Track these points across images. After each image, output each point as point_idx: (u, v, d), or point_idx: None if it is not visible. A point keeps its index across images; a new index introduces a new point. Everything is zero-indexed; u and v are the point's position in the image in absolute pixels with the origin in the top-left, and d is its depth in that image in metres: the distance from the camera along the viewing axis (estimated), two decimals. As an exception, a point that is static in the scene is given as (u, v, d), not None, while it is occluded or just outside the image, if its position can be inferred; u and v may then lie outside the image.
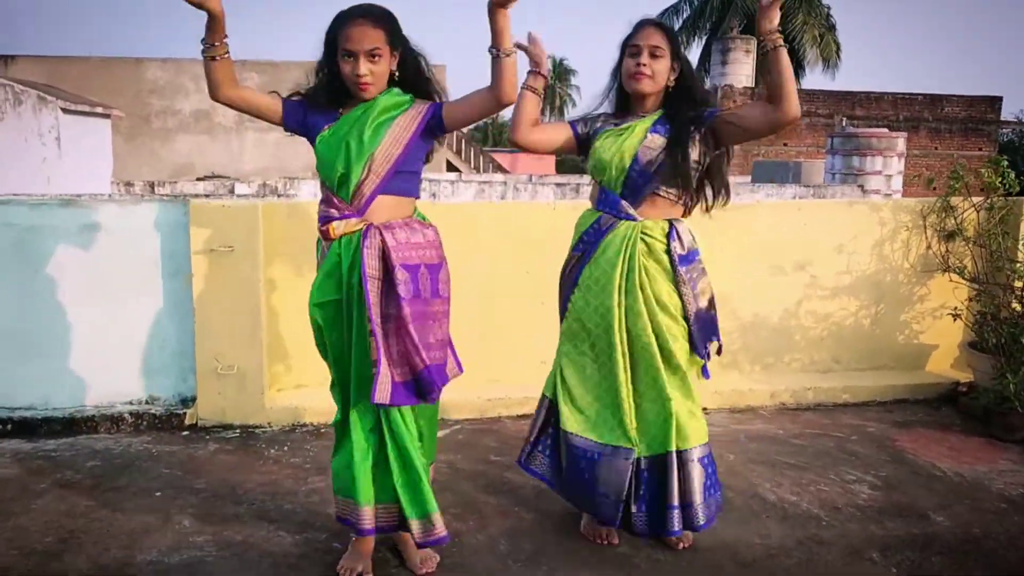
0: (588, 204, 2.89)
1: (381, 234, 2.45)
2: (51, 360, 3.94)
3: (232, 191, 15.72)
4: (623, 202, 2.70)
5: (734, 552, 2.80)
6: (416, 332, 2.46)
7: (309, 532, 2.90)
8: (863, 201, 4.54)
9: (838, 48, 29.44)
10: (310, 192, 14.89)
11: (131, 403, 4.04)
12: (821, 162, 17.89)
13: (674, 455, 2.67)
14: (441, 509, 2.55)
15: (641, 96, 2.72)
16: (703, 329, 2.77)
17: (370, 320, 2.41)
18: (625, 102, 2.80)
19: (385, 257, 2.44)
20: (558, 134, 2.83)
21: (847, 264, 4.50)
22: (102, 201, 3.99)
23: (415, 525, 2.53)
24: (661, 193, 2.71)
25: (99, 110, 19.48)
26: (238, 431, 3.95)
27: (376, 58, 2.42)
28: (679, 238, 2.70)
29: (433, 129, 2.55)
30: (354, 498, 2.53)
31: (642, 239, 2.68)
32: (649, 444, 2.71)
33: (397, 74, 2.51)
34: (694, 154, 2.68)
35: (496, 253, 4.27)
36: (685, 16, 30.57)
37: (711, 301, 2.82)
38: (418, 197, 2.62)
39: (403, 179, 2.53)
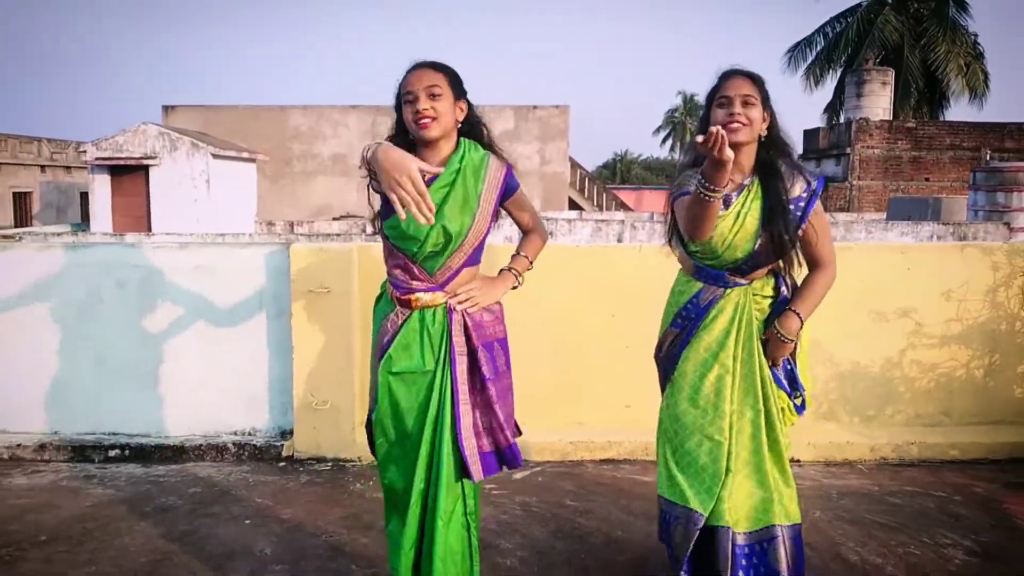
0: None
1: (464, 316, 2.45)
2: (165, 391, 4.27)
3: (364, 230, 16.46)
4: (729, 275, 2.61)
5: (804, 615, 2.69)
6: (501, 410, 2.46)
7: (377, 567, 3.00)
8: (975, 245, 4.27)
9: (986, 77, 27.80)
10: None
11: (235, 433, 4.31)
12: (963, 199, 16.89)
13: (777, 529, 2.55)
14: (507, 552, 2.55)
15: (735, 147, 2.52)
16: (789, 373, 2.69)
17: (455, 394, 2.40)
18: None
19: (467, 334, 2.45)
20: None
21: (956, 311, 4.25)
22: (212, 244, 4.31)
23: None
24: (771, 264, 2.63)
25: (245, 155, 20.91)
26: (330, 464, 4.13)
27: (436, 97, 2.37)
28: (786, 284, 2.65)
29: (504, 199, 2.54)
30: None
31: (754, 299, 2.61)
32: (743, 520, 2.58)
33: (463, 127, 2.50)
34: (804, 225, 2.56)
35: (582, 296, 4.30)
36: (819, 49, 29.73)
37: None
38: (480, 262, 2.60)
39: (479, 249, 2.53)
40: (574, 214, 20.14)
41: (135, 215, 19.60)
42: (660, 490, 2.67)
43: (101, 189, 19.39)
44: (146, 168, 19.09)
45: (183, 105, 25.29)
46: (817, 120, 32.88)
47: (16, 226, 25.60)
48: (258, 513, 3.52)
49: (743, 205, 2.53)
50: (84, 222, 23.39)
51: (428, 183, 2.34)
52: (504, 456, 2.48)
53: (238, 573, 2.98)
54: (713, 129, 2.13)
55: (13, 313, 4.25)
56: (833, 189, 23.75)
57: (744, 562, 2.54)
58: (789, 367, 2.71)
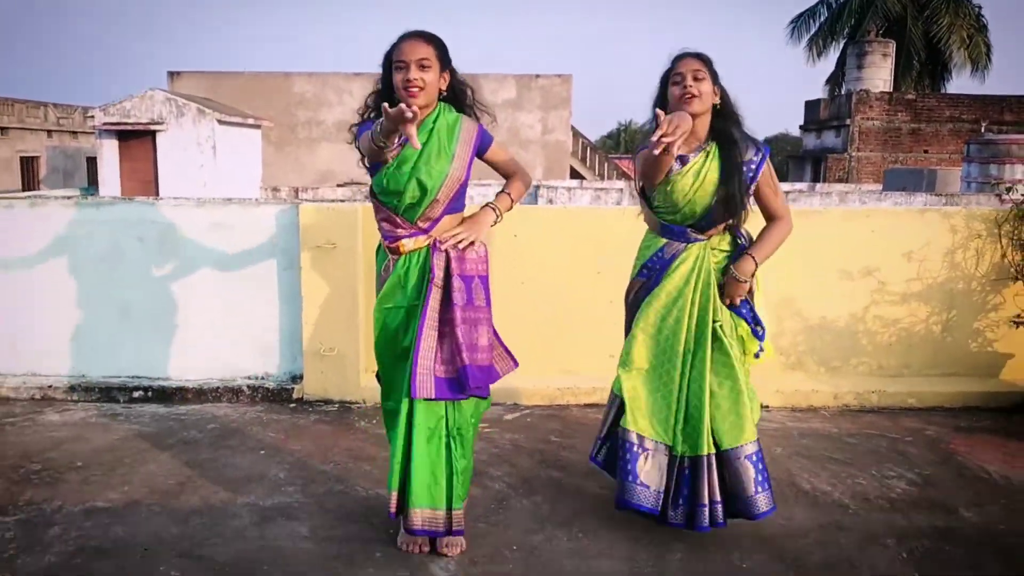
0: None
1: (448, 252, 2.77)
2: (184, 339, 4.62)
3: (368, 197, 16.77)
4: (690, 231, 2.96)
5: (756, 529, 3.04)
6: (463, 335, 2.74)
7: (381, 488, 3.36)
8: (935, 209, 4.59)
9: (988, 49, 27.84)
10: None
11: (249, 378, 4.67)
12: (959, 170, 17.12)
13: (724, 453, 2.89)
14: (496, 478, 2.88)
15: (692, 116, 2.89)
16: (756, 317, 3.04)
17: (421, 320, 2.71)
18: None
19: (448, 268, 2.76)
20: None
21: (917, 271, 4.58)
22: (228, 203, 4.63)
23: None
24: (724, 222, 2.98)
25: (251, 121, 21.14)
26: (336, 406, 4.50)
27: (425, 69, 2.64)
28: (743, 236, 3.02)
29: (479, 154, 2.86)
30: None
31: (712, 252, 2.96)
32: (695, 444, 2.91)
33: (445, 93, 2.78)
34: (752, 187, 2.94)
35: (570, 254, 4.63)
36: (822, 20, 29.72)
37: (751, 292, 3.06)
38: (464, 208, 2.93)
39: (459, 198, 2.86)
40: (575, 183, 20.40)
41: (143, 179, 19.89)
42: (626, 425, 2.98)
43: (109, 154, 19.67)
44: (153, 133, 19.34)
45: (188, 71, 25.44)
46: (819, 92, 32.95)
47: (24, 190, 25.89)
48: (272, 445, 3.89)
49: (703, 165, 2.88)
50: (92, 187, 23.69)
51: (405, 142, 2.63)
52: (460, 378, 2.73)
53: (255, 493, 3.34)
54: (661, 115, 2.56)
55: (43, 265, 4.58)
56: (832, 160, 23.95)
57: (686, 478, 2.90)
58: (749, 306, 3.05)
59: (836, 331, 4.65)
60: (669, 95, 2.94)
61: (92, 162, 24.41)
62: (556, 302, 4.62)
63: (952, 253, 4.56)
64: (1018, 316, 4.34)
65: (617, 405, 3.11)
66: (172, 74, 25.41)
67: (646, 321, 2.97)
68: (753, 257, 2.92)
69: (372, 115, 2.84)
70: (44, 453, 3.75)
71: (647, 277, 3.02)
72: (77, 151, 31.35)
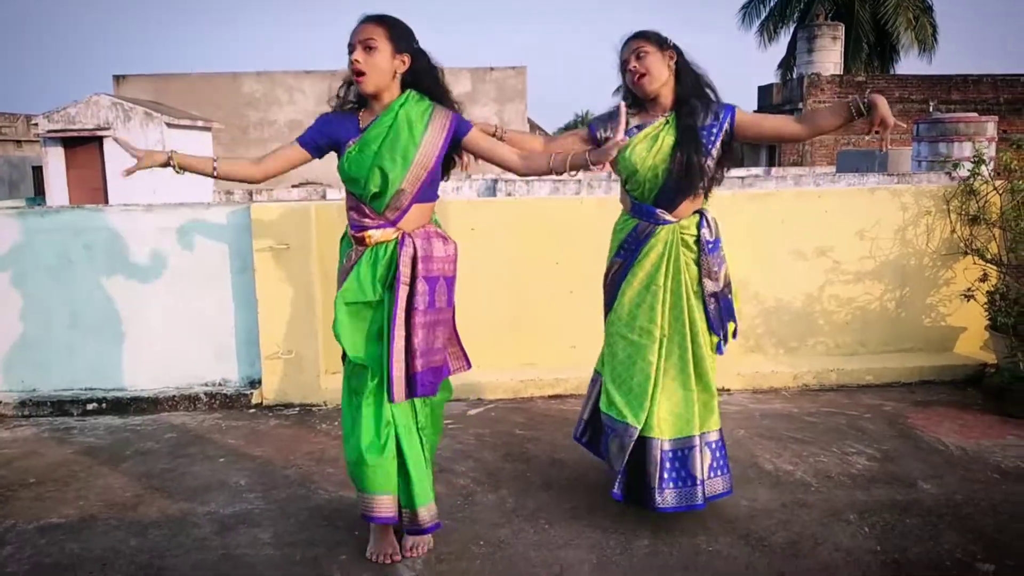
0: (611, 199, 3.12)
1: (415, 244, 2.65)
2: (138, 347, 4.51)
3: (324, 196, 16.55)
4: (659, 210, 2.96)
5: (719, 510, 3.06)
6: (420, 340, 2.66)
7: (345, 491, 3.32)
8: (884, 187, 4.66)
9: (934, 30, 28.34)
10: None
11: (206, 384, 4.58)
12: (909, 150, 17.43)
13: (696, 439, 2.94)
14: (461, 473, 2.85)
15: (652, 98, 2.95)
16: (724, 310, 3.04)
17: (392, 322, 2.63)
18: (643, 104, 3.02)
19: (414, 266, 2.66)
20: (576, 143, 2.98)
21: (870, 249, 4.64)
22: (178, 207, 4.53)
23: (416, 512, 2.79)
24: (690, 193, 2.97)
25: (200, 123, 20.77)
26: (297, 409, 4.43)
27: (371, 50, 2.53)
28: (708, 226, 2.99)
29: (455, 144, 2.71)
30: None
31: (681, 236, 2.97)
32: (668, 430, 2.94)
33: (408, 78, 2.65)
34: (713, 152, 2.93)
35: (528, 246, 4.61)
36: (772, 5, 30.03)
37: (728, 285, 3.07)
38: (437, 199, 2.83)
39: (429, 188, 2.70)
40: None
41: (91, 187, 19.43)
42: (602, 407, 3.04)
43: (55, 162, 19.19)
44: (100, 140, 18.90)
45: (134, 75, 24.89)
46: (772, 76, 33.34)
47: (-32, 202, 25.13)
48: (232, 452, 3.81)
49: (660, 131, 2.91)
50: (39, 196, 23.08)
51: (366, 128, 2.62)
52: (413, 382, 2.67)
53: (216, 502, 3.28)
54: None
55: (-14, 278, 4.45)
56: (785, 144, 24.21)
57: (668, 465, 2.93)
58: (729, 298, 3.05)
59: (793, 312, 4.70)
60: (625, 82, 2.98)
61: (38, 171, 23.78)
62: (515, 294, 4.60)
63: (903, 230, 4.63)
64: (968, 290, 4.42)
65: (599, 385, 3.13)
66: (117, 78, 24.86)
67: (619, 312, 3.00)
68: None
69: (347, 106, 2.72)
70: (-6, 471, 3.64)
71: (623, 258, 3.03)
72: (22, 160, 30.50)
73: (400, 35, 2.62)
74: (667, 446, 2.93)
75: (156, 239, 4.44)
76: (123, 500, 3.31)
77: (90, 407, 4.43)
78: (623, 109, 2.60)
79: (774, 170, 20.02)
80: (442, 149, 2.68)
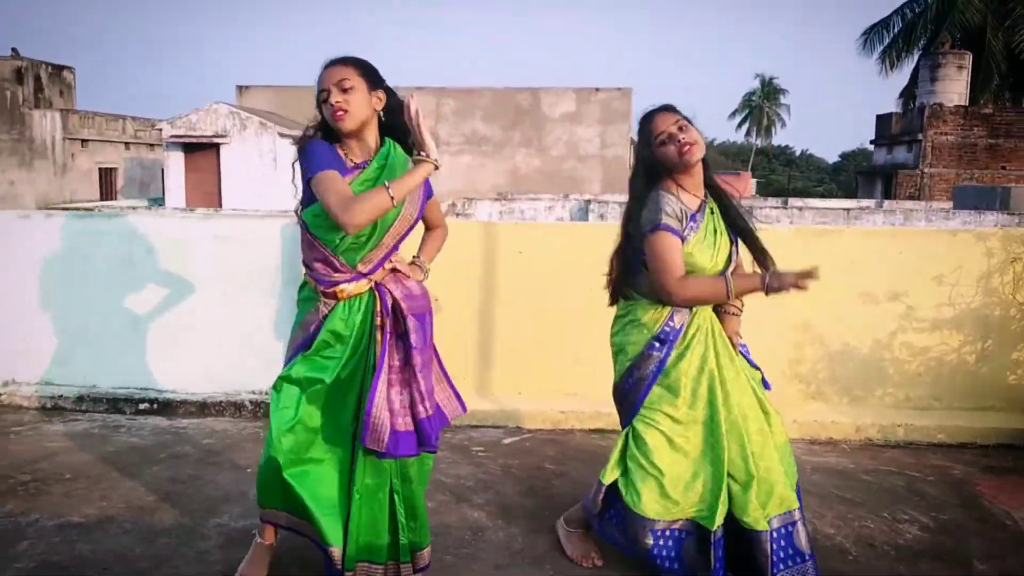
0: None
1: (391, 292, 2.56)
2: (190, 350, 4.62)
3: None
4: None
5: (739, 574, 2.83)
6: (423, 380, 2.54)
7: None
8: (968, 230, 4.28)
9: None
10: (485, 212, 15.63)
11: (253, 392, 4.63)
12: (1037, 187, 16.27)
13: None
14: (477, 505, 2.71)
15: (693, 165, 2.72)
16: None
17: (376, 369, 2.50)
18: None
19: (396, 310, 2.55)
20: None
21: (949, 296, 4.27)
22: (234, 216, 4.62)
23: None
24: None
25: (310, 134, 21.52)
26: (336, 424, 4.42)
27: (347, 91, 2.44)
28: None
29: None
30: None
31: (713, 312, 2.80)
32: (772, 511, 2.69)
33: (384, 116, 2.56)
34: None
35: (576, 271, 4.45)
36: (896, 31, 28.77)
37: None
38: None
39: (403, 239, 2.61)
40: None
41: (206, 190, 20.45)
42: (648, 513, 2.66)
43: (175, 165, 20.31)
44: (217, 146, 19.89)
45: (256, 85, 26.09)
46: (893, 105, 31.90)
47: (102, 199, 26.91)
48: (259, 463, 3.82)
49: (713, 223, 2.78)
50: (163, 197, 24.47)
51: (358, 167, 2.51)
52: (422, 431, 2.52)
53: (230, 514, 3.28)
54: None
55: (54, 274, 4.65)
56: (903, 176, 23.09)
57: (774, 547, 2.64)
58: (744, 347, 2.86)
59: (859, 359, 4.37)
60: (664, 154, 2.70)
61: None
62: (560, 320, 4.46)
63: (988, 277, 4.24)
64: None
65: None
66: (240, 88, 26.10)
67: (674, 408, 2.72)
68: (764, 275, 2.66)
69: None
70: (36, 464, 3.77)
71: (659, 350, 2.74)
72: (153, 163, 32.48)
73: (371, 72, 2.54)
74: (776, 523, 2.69)
75: (212, 247, 4.54)
76: (143, 504, 3.36)
77: (142, 407, 4.56)
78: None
79: (887, 203, 19.09)
80: (422, 204, 2.62)
